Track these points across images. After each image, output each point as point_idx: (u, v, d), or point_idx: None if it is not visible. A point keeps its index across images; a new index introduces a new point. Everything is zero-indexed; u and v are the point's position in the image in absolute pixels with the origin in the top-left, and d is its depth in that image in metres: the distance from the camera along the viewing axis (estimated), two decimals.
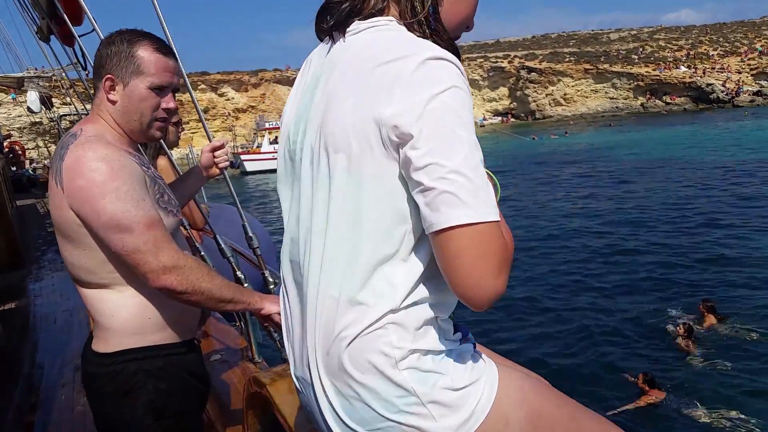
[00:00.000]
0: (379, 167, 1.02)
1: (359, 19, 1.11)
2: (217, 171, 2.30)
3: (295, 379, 1.27)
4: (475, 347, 1.25)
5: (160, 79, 1.75)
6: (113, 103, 1.74)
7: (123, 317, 1.70)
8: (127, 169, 1.62)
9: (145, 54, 1.72)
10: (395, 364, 1.05)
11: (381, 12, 1.11)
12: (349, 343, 1.07)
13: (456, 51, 1.10)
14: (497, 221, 0.98)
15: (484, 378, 1.16)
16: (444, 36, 1.10)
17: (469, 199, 0.95)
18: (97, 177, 1.56)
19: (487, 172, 1.08)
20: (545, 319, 10.34)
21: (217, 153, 2.27)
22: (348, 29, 1.12)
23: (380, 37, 1.08)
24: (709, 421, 6.86)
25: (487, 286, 0.98)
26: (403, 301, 1.06)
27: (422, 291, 1.07)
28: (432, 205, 0.97)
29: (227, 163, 2.30)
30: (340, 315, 1.08)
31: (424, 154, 0.96)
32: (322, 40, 1.21)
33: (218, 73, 61.15)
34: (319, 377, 1.12)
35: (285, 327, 1.29)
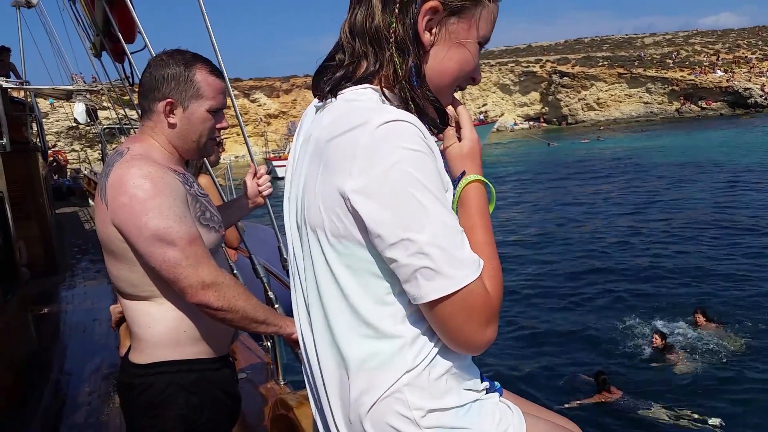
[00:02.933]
0: (351, 240, 1.02)
1: (343, 87, 1.11)
2: (262, 200, 2.31)
3: None
4: (501, 394, 1.23)
5: (218, 102, 1.82)
6: (173, 126, 1.78)
7: (159, 329, 1.73)
8: (170, 186, 1.66)
9: (202, 77, 1.77)
10: (416, 425, 1.04)
11: (372, 77, 1.10)
12: (369, 409, 1.05)
13: (440, 110, 1.11)
14: (477, 277, 0.99)
15: (512, 429, 1.15)
16: (428, 97, 1.10)
17: (446, 269, 0.96)
18: (140, 194, 1.60)
19: (483, 181, 1.13)
20: (541, 318, 10.70)
21: (260, 181, 2.28)
22: (330, 98, 1.12)
23: (345, 107, 1.07)
24: (662, 421, 7.12)
25: (477, 340, 1.02)
26: (415, 359, 1.04)
27: (431, 344, 1.06)
28: (411, 281, 0.98)
29: (271, 190, 2.30)
30: (353, 382, 1.07)
31: (394, 230, 0.96)
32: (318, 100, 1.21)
33: (250, 79, 61.93)
34: None
35: (308, 386, 1.26)
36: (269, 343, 3.10)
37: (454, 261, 0.96)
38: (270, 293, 2.67)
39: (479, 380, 1.17)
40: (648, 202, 19.95)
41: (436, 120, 1.13)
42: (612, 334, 9.69)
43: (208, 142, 1.86)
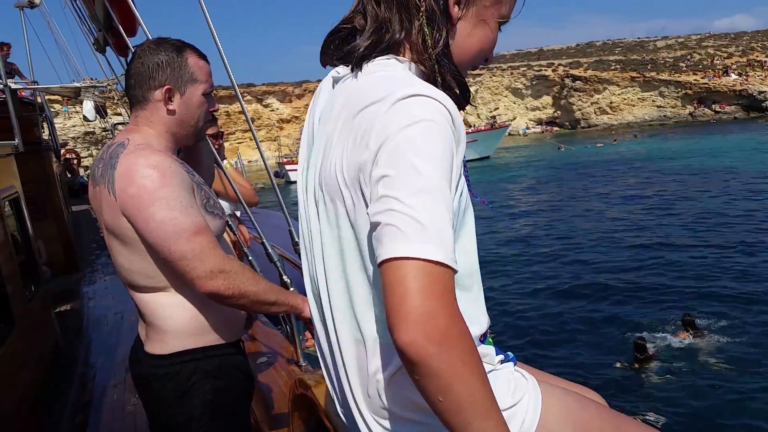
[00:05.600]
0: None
1: (368, 58, 1.08)
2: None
3: (342, 416, 1.26)
4: (515, 364, 1.24)
5: (210, 85, 1.83)
6: (172, 113, 1.76)
7: (182, 319, 1.73)
8: (177, 175, 1.66)
9: (193, 62, 1.78)
10: None
11: (398, 45, 1.08)
12: (386, 382, 1.06)
13: (463, 85, 1.09)
14: (437, 261, 0.86)
15: (527, 397, 1.16)
16: (451, 71, 1.07)
17: (410, 233, 0.86)
18: (148, 184, 1.60)
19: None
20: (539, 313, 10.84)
21: None
22: (356, 69, 1.09)
23: (371, 79, 1.05)
24: None
25: (399, 326, 0.85)
26: None
27: None
28: (377, 239, 0.90)
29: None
30: (370, 357, 1.07)
31: (381, 187, 0.91)
32: (324, 67, 1.19)
33: (263, 84, 62.11)
34: (363, 417, 1.12)
35: (323, 364, 1.27)
36: (288, 327, 3.16)
37: (422, 229, 0.86)
38: (285, 277, 2.71)
39: (494, 352, 1.18)
40: (663, 207, 19.75)
41: (459, 96, 1.09)
42: (605, 335, 9.73)
43: (205, 125, 1.87)
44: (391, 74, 1.04)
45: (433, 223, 0.87)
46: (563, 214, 20.38)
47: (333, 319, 1.12)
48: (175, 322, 1.73)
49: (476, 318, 1.13)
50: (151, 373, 1.77)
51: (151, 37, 3.11)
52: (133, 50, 3.81)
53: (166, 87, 1.74)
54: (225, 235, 2.02)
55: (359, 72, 1.08)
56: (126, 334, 5.28)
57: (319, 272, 1.15)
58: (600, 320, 10.43)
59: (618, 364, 8.73)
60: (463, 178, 1.06)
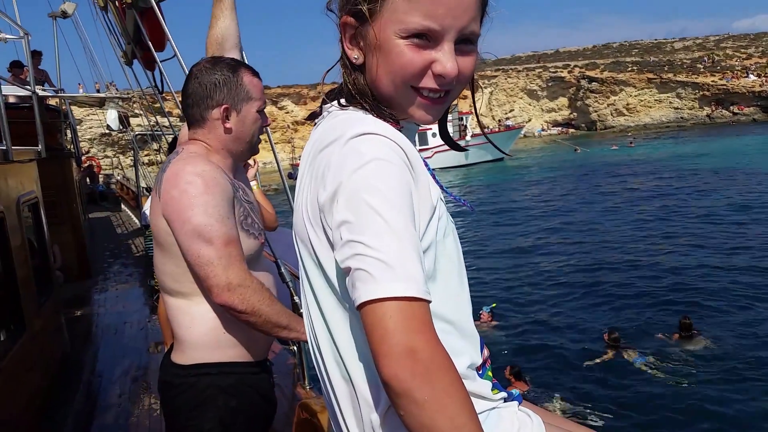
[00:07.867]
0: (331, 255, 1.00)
1: (330, 102, 1.14)
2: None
3: None
4: (521, 403, 1.22)
5: (264, 102, 1.91)
6: (229, 131, 1.83)
7: (199, 330, 1.77)
8: (220, 186, 1.72)
9: (248, 80, 1.84)
10: None
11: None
12: (380, 421, 1.04)
13: (392, 117, 1.07)
14: (407, 296, 0.87)
15: None
16: (375, 108, 1.07)
17: (378, 274, 0.87)
18: (191, 189, 1.67)
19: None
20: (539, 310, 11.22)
21: None
22: (322, 114, 1.15)
23: (334, 121, 1.09)
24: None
25: (382, 367, 0.86)
26: None
27: None
28: (350, 283, 0.92)
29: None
30: (360, 396, 1.06)
31: (344, 231, 0.92)
32: (313, 122, 1.24)
33: (278, 87, 62.38)
34: None
35: (324, 397, 1.26)
36: (295, 347, 3.12)
37: (389, 269, 0.87)
38: (296, 297, 2.70)
39: (490, 389, 1.16)
40: (675, 211, 19.62)
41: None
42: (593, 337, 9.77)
43: (258, 141, 1.94)
44: (350, 115, 1.07)
45: (398, 261, 0.88)
46: (575, 217, 20.40)
47: (322, 358, 1.14)
48: (193, 333, 1.77)
49: (464, 350, 1.11)
50: (170, 381, 1.83)
51: (179, 53, 3.17)
52: (159, 65, 3.87)
53: (223, 106, 1.80)
54: None
55: (328, 115, 1.13)
56: (134, 345, 5.29)
57: (304, 311, 1.18)
58: (596, 316, 10.68)
59: (598, 360, 8.88)
60: (440, 204, 1.08)
